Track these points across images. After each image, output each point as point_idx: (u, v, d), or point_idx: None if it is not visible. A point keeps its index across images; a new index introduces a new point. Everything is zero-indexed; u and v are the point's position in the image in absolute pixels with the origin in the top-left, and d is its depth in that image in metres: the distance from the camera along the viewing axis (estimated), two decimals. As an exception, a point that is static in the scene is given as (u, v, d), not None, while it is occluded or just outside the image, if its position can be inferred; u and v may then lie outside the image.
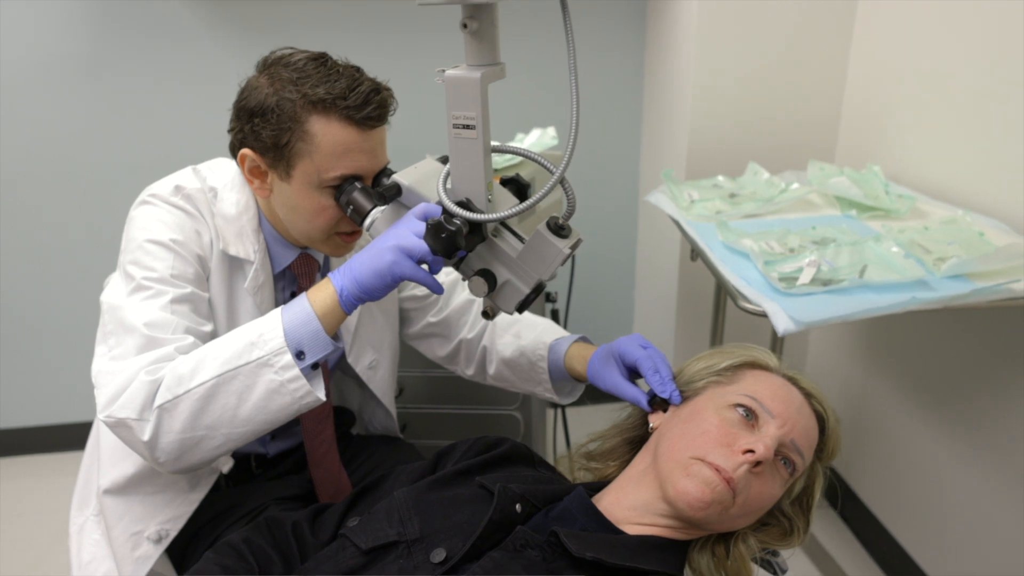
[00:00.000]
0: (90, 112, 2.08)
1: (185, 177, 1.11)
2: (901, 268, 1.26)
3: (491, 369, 1.25)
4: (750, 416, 0.84)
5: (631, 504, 0.85)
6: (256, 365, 0.89)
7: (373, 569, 0.78)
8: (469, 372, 1.30)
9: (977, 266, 1.23)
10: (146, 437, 0.90)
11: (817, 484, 0.90)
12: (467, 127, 0.84)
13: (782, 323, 1.14)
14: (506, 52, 2.02)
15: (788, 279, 1.26)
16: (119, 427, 0.91)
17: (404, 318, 1.32)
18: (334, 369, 1.28)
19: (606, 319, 2.48)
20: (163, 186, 1.08)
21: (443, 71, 0.83)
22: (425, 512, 0.82)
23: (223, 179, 1.11)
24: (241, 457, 1.23)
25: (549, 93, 2.14)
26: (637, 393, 0.96)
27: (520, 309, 0.94)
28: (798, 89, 1.92)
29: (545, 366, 1.16)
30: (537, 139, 1.59)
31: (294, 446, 1.28)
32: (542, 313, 1.55)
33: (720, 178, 1.78)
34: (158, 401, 0.89)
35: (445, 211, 0.85)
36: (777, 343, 1.92)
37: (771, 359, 0.93)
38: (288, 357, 0.89)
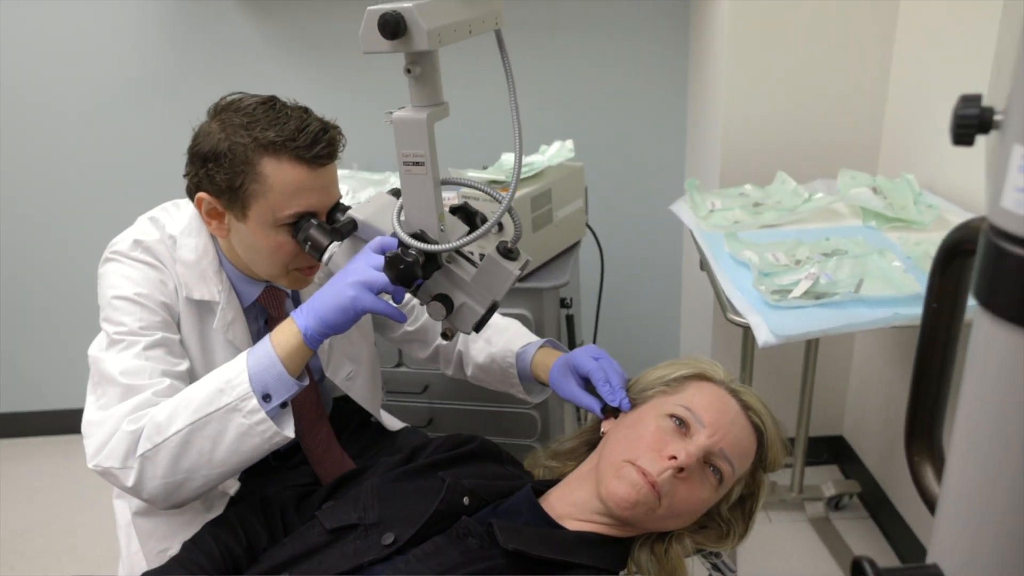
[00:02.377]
0: (166, 126, 2.28)
1: (143, 229, 1.15)
2: (899, 283, 1.26)
3: (468, 371, 1.32)
4: (682, 425, 0.89)
5: (573, 501, 0.92)
6: (225, 411, 0.95)
7: (334, 547, 0.88)
8: (449, 372, 1.38)
9: (977, 282, 1.22)
10: (130, 484, 0.97)
11: (761, 492, 0.94)
12: (417, 164, 0.90)
13: (763, 335, 1.17)
14: (527, 69, 2.12)
15: (782, 291, 1.28)
16: (106, 475, 0.99)
17: (384, 325, 1.39)
18: (322, 378, 1.35)
19: (650, 326, 2.51)
20: (123, 241, 1.13)
21: (391, 113, 0.90)
22: (386, 500, 0.92)
23: (180, 225, 1.15)
24: None
25: (568, 107, 2.18)
26: (592, 402, 1.02)
27: (477, 329, 1.00)
28: (837, 97, 1.89)
29: (515, 372, 1.22)
30: (556, 151, 1.65)
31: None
32: (556, 318, 1.62)
33: (748, 187, 1.79)
34: (140, 451, 0.96)
35: (401, 243, 0.91)
36: (812, 348, 1.92)
37: (717, 372, 0.97)
38: (254, 402, 0.94)
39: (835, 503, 2.18)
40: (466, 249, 1.00)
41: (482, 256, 0.98)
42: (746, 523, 0.94)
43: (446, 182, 1.01)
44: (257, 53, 2.20)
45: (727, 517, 0.93)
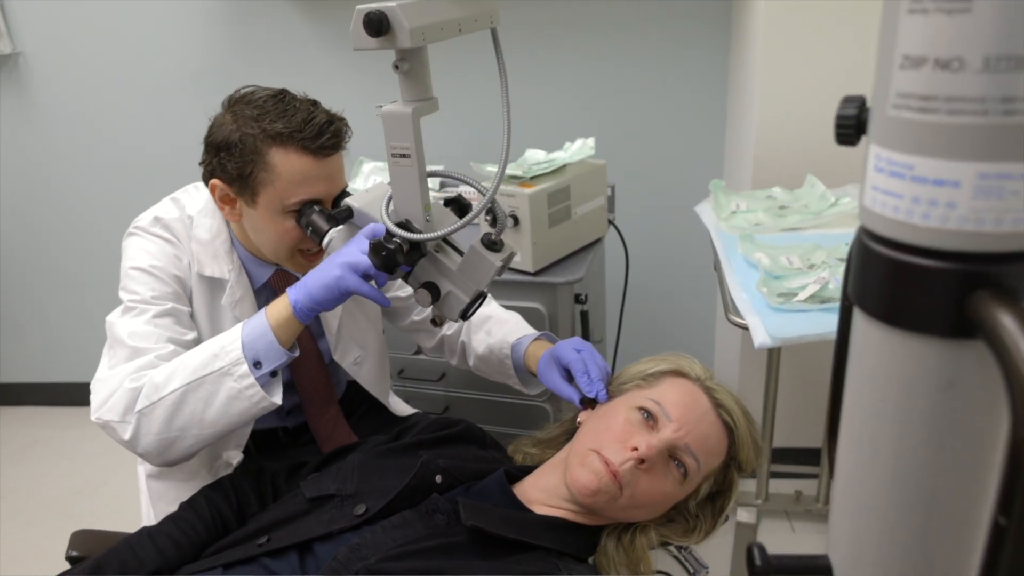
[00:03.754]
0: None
1: (164, 208, 1.23)
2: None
3: (471, 362, 1.35)
4: (650, 418, 0.90)
5: (543, 487, 0.94)
6: (218, 375, 1.01)
7: (311, 514, 0.93)
8: (454, 362, 1.41)
9: None
10: (127, 437, 1.04)
11: (732, 490, 0.94)
12: (403, 156, 0.94)
13: (759, 338, 1.17)
14: (566, 66, 2.15)
15: (787, 295, 1.27)
16: (106, 428, 1.06)
17: (394, 314, 1.43)
18: (331, 363, 1.39)
19: (683, 327, 2.49)
20: (145, 218, 1.21)
21: (380, 107, 0.93)
22: (365, 474, 0.96)
23: (198, 205, 1.22)
24: (268, 430, 1.39)
25: (590, 106, 2.18)
26: (571, 392, 1.04)
27: (463, 316, 1.03)
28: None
29: (510, 363, 1.25)
30: (579, 148, 1.67)
31: None
32: (571, 314, 1.64)
33: (776, 189, 1.77)
34: (137, 407, 1.02)
35: (388, 231, 0.96)
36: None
37: (694, 369, 0.97)
38: (245, 367, 1.01)
39: (863, 517, 2.12)
40: (457, 240, 1.03)
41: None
42: (714, 520, 0.94)
43: (433, 174, 1.05)
44: (307, 49, 2.28)
45: (695, 512, 0.94)
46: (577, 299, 1.62)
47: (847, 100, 0.44)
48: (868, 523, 0.47)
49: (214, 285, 1.20)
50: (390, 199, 0.99)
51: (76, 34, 2.34)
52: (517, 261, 1.59)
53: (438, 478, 0.94)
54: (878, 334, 0.42)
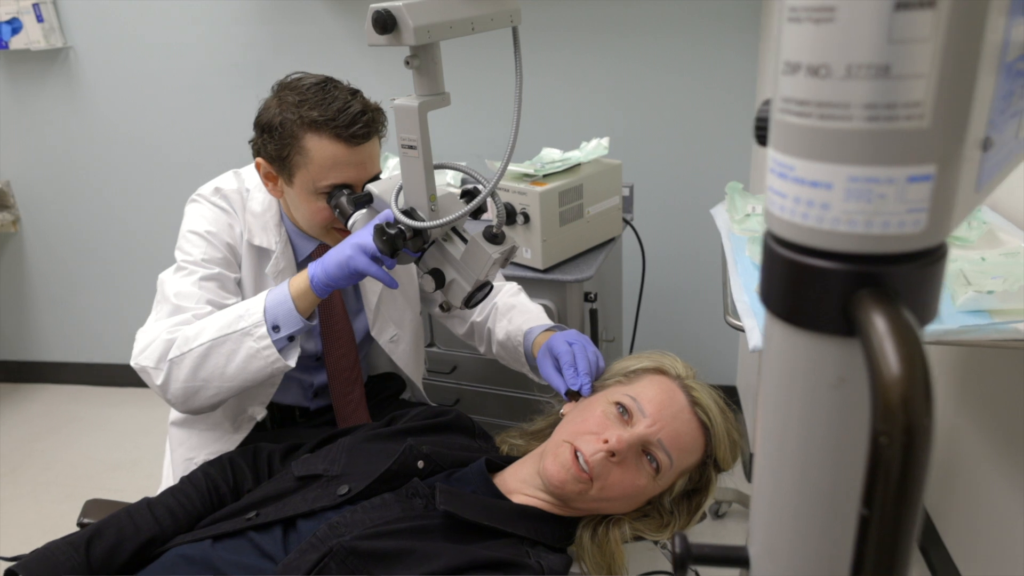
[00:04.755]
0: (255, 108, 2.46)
1: (226, 180, 1.33)
2: (912, 297, 1.22)
3: (493, 348, 1.39)
4: (625, 413, 0.92)
5: (522, 477, 0.97)
6: (240, 334, 1.10)
7: (298, 493, 0.97)
8: (482, 350, 1.45)
9: (995, 303, 1.16)
10: (159, 382, 1.13)
11: (710, 488, 0.95)
12: (410, 147, 0.98)
13: (754, 339, 1.16)
14: (574, 69, 2.16)
15: (789, 298, 1.26)
16: (142, 372, 1.16)
17: (427, 299, 1.49)
18: (364, 343, 1.46)
19: (704, 329, 2.48)
20: (207, 187, 1.31)
21: (393, 100, 0.98)
22: (353, 456, 1.00)
23: (255, 181, 1.31)
24: (286, 407, 1.47)
25: (612, 106, 2.18)
26: (559, 383, 1.06)
27: (467, 304, 1.06)
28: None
29: (522, 351, 1.28)
30: (593, 148, 1.68)
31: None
32: (580, 312, 1.65)
33: (795, 193, 1.75)
34: (170, 355, 1.12)
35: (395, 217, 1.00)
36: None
37: (675, 367, 0.98)
38: (264, 330, 1.09)
39: (881, 528, 2.09)
40: (467, 230, 1.07)
41: None
42: (689, 517, 0.95)
43: (439, 166, 1.08)
44: (337, 45, 2.34)
45: (670, 509, 0.95)
46: (587, 297, 1.64)
47: (766, 102, 0.45)
48: (779, 515, 0.48)
49: (261, 254, 1.29)
50: (399, 187, 1.04)
51: (123, 30, 2.44)
52: (527, 258, 1.61)
53: (420, 464, 0.97)
54: (779, 331, 0.43)
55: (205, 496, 1.05)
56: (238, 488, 1.09)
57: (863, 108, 0.34)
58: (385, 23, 0.89)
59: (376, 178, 1.22)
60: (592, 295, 1.63)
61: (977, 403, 1.74)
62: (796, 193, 0.38)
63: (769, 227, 0.42)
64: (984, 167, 0.41)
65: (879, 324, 0.36)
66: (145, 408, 2.81)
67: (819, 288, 0.39)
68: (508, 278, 1.55)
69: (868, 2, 0.32)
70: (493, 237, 1.02)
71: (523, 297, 1.42)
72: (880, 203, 0.35)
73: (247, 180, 1.33)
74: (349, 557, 0.81)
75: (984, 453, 1.68)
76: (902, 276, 0.38)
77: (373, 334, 1.40)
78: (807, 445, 0.44)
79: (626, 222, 1.86)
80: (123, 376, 2.96)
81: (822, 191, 0.36)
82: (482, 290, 1.05)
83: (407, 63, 0.95)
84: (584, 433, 0.91)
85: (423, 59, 0.95)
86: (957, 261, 1.39)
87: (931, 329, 1.16)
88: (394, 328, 1.43)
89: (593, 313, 1.64)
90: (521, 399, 1.75)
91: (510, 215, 1.57)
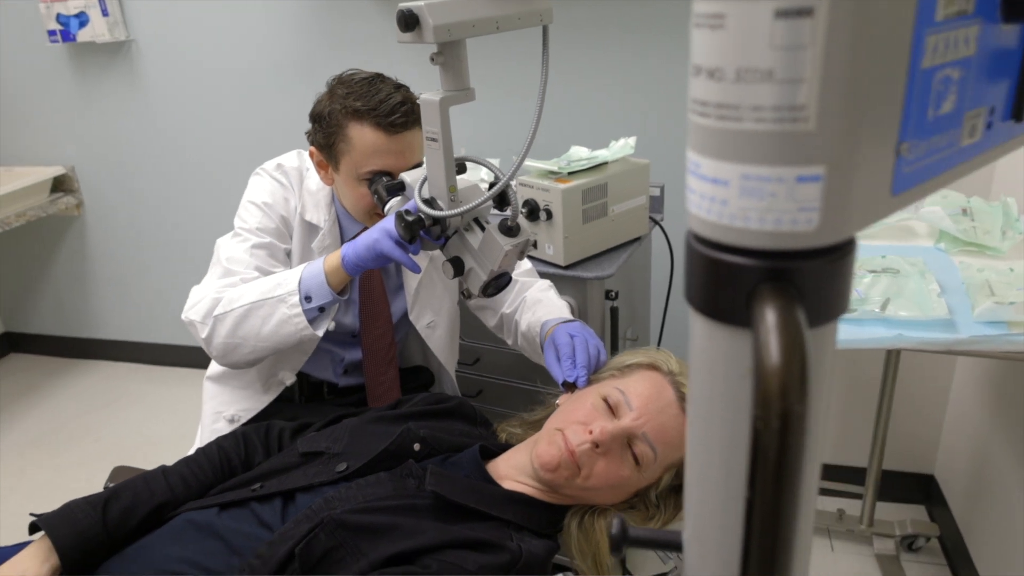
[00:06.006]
0: (303, 104, 2.54)
1: (288, 158, 1.44)
2: (928, 306, 1.20)
3: (518, 340, 1.42)
4: (614, 406, 0.94)
5: (514, 464, 1.00)
6: (276, 300, 1.19)
7: (300, 468, 1.02)
8: (509, 342, 1.48)
9: (1013, 314, 1.14)
10: (204, 335, 1.24)
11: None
12: (433, 139, 1.02)
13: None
14: (602, 69, 2.16)
15: (802, 302, 1.26)
16: (190, 325, 1.26)
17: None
18: (401, 326, 1.52)
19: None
20: (271, 163, 1.42)
21: (419, 95, 1.02)
22: (355, 436, 1.04)
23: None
24: (316, 382, 1.54)
25: (638, 106, 2.17)
26: (559, 374, 1.08)
27: (485, 292, 1.10)
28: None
29: (539, 342, 1.31)
30: (620, 147, 1.69)
31: (361, 384, 1.56)
32: (601, 310, 1.67)
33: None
34: (215, 312, 1.22)
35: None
36: (890, 377, 1.82)
37: (668, 363, 1.00)
38: (296, 299, 1.18)
39: (909, 543, 2.05)
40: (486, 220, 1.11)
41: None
42: (675, 511, 0.97)
43: (461, 159, 1.12)
44: (385, 41, 2.40)
45: (656, 502, 0.96)
46: (608, 295, 1.65)
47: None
48: (705, 501, 0.50)
49: (311, 230, 1.38)
50: (424, 178, 1.08)
51: (182, 25, 2.55)
52: (549, 254, 1.63)
53: (416, 446, 1.01)
54: (699, 324, 0.45)
55: (217, 467, 1.11)
56: (249, 461, 1.14)
57: (752, 110, 0.36)
58: (408, 21, 0.94)
59: (418, 167, 1.27)
60: (613, 293, 1.64)
61: (1014, 423, 1.69)
62: (702, 189, 0.40)
63: (689, 223, 0.44)
64: (901, 172, 0.42)
65: (768, 317, 0.37)
66: (189, 388, 2.93)
67: (726, 282, 0.41)
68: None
69: (751, 10, 0.34)
70: (508, 230, 1.05)
71: (552, 293, 1.45)
72: (772, 201, 0.37)
73: (307, 161, 1.42)
74: (337, 529, 0.85)
75: (1020, 476, 1.63)
76: (802, 272, 0.39)
77: (411, 318, 1.46)
78: (726, 434, 0.46)
79: (655, 222, 1.87)
80: (172, 356, 3.10)
81: (721, 188, 0.38)
82: (500, 280, 1.08)
83: (432, 59, 0.99)
84: (573, 422, 0.93)
85: (448, 56, 0.99)
86: (984, 271, 1.36)
87: (944, 338, 1.15)
88: (432, 315, 1.48)
89: (614, 311, 1.66)
90: (543, 393, 1.78)
91: (533, 211, 1.59)
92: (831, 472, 2.17)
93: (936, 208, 1.50)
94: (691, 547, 0.52)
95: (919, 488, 2.19)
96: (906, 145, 0.41)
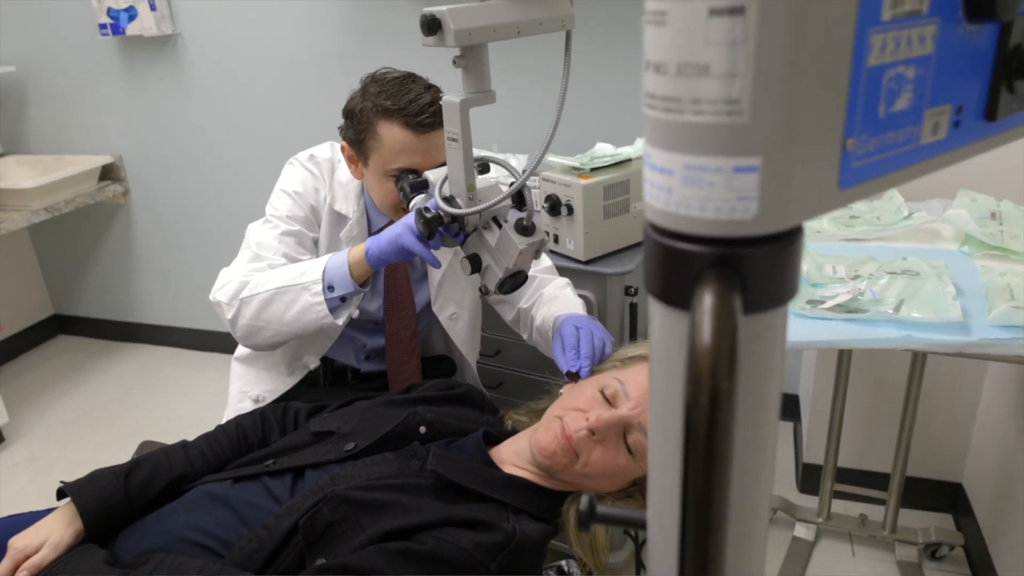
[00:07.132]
0: (341, 96, 2.60)
1: (321, 149, 1.49)
2: (942, 308, 1.19)
3: (533, 335, 1.45)
4: (612, 396, 0.96)
5: (516, 449, 1.02)
6: (300, 288, 1.23)
7: (311, 447, 1.06)
8: (525, 336, 1.51)
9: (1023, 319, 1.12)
10: (229, 316, 1.29)
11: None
12: (453, 140, 1.05)
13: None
14: (628, 66, 2.18)
15: (815, 302, 1.26)
16: (216, 306, 1.32)
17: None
18: (424, 316, 1.56)
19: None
20: (304, 153, 1.47)
21: (442, 95, 1.06)
22: (365, 418, 1.08)
23: None
24: (340, 367, 1.58)
25: None
26: (563, 364, 1.11)
27: (501, 289, 1.12)
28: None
29: (551, 336, 1.33)
30: (641, 145, 1.70)
31: (383, 370, 1.60)
32: (621, 305, 1.68)
33: (852, 199, 1.72)
34: (241, 295, 1.27)
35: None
36: (914, 382, 1.80)
37: (668, 357, 1.01)
38: (319, 287, 1.22)
39: (933, 552, 2.02)
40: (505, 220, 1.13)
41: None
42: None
43: (480, 159, 1.15)
44: (418, 40, 2.43)
45: (651, 491, 0.98)
46: (627, 291, 1.67)
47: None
48: (664, 481, 0.52)
49: (340, 220, 1.43)
50: (446, 176, 1.12)
51: (226, 19, 2.63)
52: (569, 249, 1.65)
53: (422, 429, 1.05)
54: (656, 310, 0.47)
55: (235, 443, 1.16)
56: (265, 439, 1.19)
57: (691, 103, 0.38)
58: (430, 25, 0.97)
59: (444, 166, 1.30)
60: (633, 289, 1.66)
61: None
62: (653, 179, 0.42)
63: (645, 212, 0.46)
64: (849, 167, 0.43)
65: (706, 300, 0.39)
66: (224, 373, 3.02)
67: (675, 268, 0.43)
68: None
69: (689, 8, 0.36)
70: (523, 229, 1.08)
71: (568, 291, 1.48)
72: (711, 190, 0.39)
73: (339, 152, 1.46)
74: (341, 504, 0.89)
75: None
76: (743, 259, 0.41)
77: (434, 309, 1.50)
78: (680, 417, 0.48)
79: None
80: (210, 341, 3.19)
81: (667, 177, 0.40)
82: (516, 278, 1.11)
83: (454, 62, 1.03)
84: (571, 410, 0.96)
85: (469, 59, 1.02)
86: (1007, 275, 1.35)
87: (956, 341, 1.14)
88: (454, 307, 1.52)
89: (633, 307, 1.67)
90: (550, 383, 1.80)
91: (555, 206, 1.62)
92: (854, 476, 2.15)
93: (961, 211, 1.48)
94: (653, 525, 0.54)
95: (946, 496, 2.15)
96: (853, 140, 0.43)
